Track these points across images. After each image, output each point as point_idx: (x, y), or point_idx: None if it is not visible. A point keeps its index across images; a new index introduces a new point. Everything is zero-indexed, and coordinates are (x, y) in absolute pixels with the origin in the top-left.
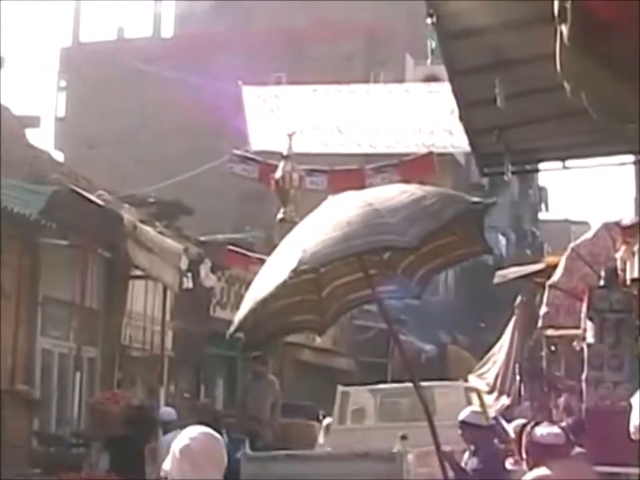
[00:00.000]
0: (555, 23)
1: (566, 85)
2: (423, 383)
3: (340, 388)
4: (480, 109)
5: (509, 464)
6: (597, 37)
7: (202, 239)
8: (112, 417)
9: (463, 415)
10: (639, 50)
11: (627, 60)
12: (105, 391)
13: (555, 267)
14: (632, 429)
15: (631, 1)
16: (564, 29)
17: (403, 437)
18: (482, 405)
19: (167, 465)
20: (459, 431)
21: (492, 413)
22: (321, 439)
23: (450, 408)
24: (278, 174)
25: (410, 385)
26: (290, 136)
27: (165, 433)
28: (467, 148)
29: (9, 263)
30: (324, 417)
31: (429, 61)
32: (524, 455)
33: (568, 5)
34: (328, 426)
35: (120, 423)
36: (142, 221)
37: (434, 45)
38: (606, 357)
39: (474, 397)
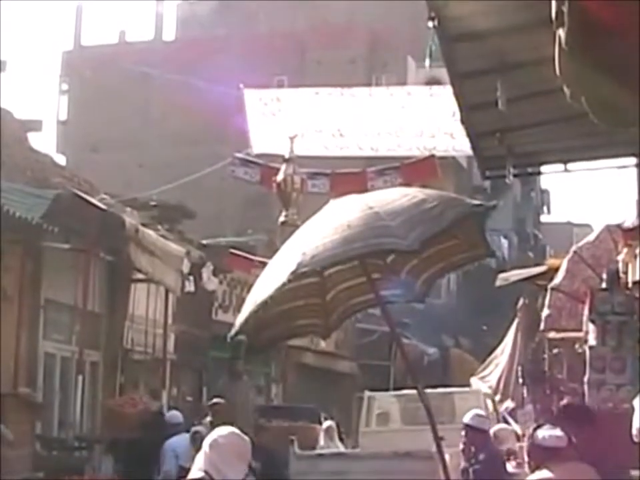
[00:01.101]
0: (554, 28)
1: (565, 89)
2: (444, 389)
3: (367, 393)
4: (482, 112)
5: (510, 466)
6: (594, 40)
7: (204, 242)
8: (129, 420)
9: (467, 418)
10: (637, 53)
11: (626, 63)
12: (124, 395)
13: (557, 269)
14: (634, 432)
15: (628, 1)
16: (561, 32)
17: (442, 438)
18: (495, 410)
19: (199, 462)
20: (462, 433)
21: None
22: (321, 441)
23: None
24: (280, 177)
25: (431, 391)
26: (292, 139)
27: (171, 436)
28: (469, 151)
29: (11, 266)
30: (325, 419)
31: (427, 63)
32: (526, 458)
33: (565, 8)
34: (328, 429)
35: (136, 426)
36: (144, 225)
37: (434, 47)
38: (608, 360)
39: (490, 402)
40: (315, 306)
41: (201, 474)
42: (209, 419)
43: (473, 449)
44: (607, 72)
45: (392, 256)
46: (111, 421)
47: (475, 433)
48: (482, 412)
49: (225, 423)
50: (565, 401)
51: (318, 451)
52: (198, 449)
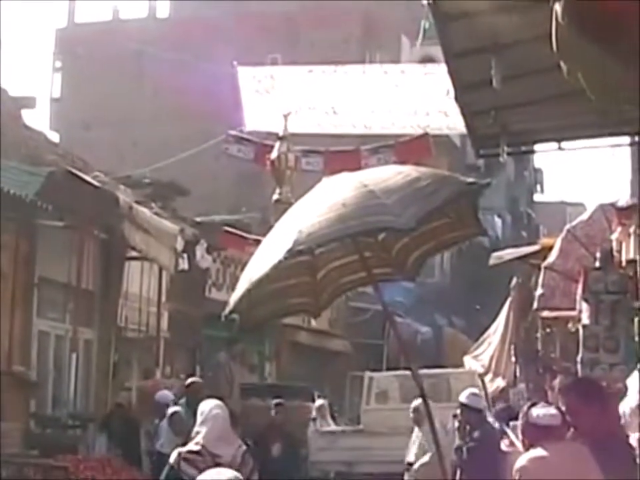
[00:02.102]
0: (550, 3)
1: (562, 65)
2: (440, 370)
3: (367, 374)
4: (476, 90)
5: (504, 445)
6: (591, 14)
7: (198, 220)
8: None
9: (463, 397)
10: (636, 27)
11: (623, 38)
12: (152, 378)
13: (550, 248)
14: (627, 411)
15: None
16: (558, 7)
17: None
18: (484, 389)
19: (196, 435)
20: (458, 411)
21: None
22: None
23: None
24: (274, 155)
25: (429, 370)
26: (285, 117)
27: (162, 415)
28: (463, 129)
29: (5, 244)
30: (319, 397)
31: (419, 42)
32: (520, 436)
33: None
34: (321, 407)
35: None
36: (138, 202)
37: (427, 26)
38: (601, 339)
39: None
40: (306, 285)
41: (197, 447)
42: (184, 399)
43: (467, 427)
44: (604, 47)
45: (384, 234)
46: (143, 403)
47: (470, 411)
48: (477, 391)
49: (201, 401)
50: (577, 376)
51: (338, 428)
52: (176, 430)
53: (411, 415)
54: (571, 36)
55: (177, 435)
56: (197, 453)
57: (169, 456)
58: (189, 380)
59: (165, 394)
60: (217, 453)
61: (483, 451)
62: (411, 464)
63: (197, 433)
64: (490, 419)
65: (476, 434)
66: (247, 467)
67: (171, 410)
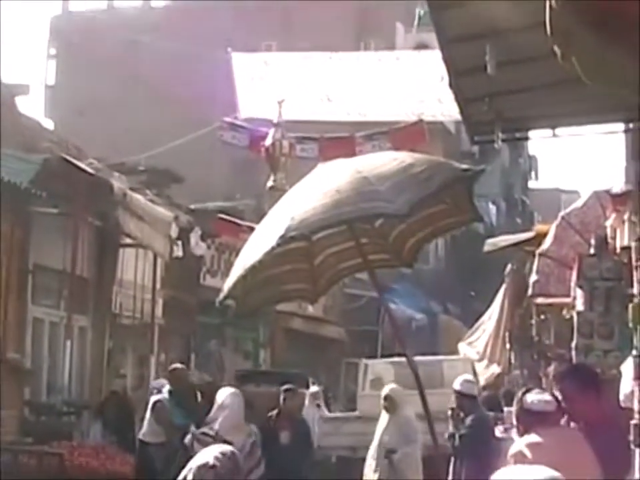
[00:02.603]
0: None
1: (556, 49)
2: (434, 357)
3: (363, 361)
4: (470, 76)
5: (498, 432)
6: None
7: (192, 207)
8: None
9: (456, 384)
10: (631, 10)
11: (617, 22)
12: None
13: (545, 235)
14: (622, 397)
15: None
16: None
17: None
18: (475, 376)
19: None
20: (452, 397)
21: (482, 381)
22: (306, 405)
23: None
24: (268, 141)
25: (422, 358)
26: (280, 103)
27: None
28: (458, 116)
29: None
30: (313, 384)
31: (414, 28)
32: (514, 422)
33: None
34: (314, 393)
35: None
36: (132, 189)
37: (422, 12)
38: (596, 325)
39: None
40: (303, 271)
41: (212, 432)
42: (168, 387)
43: (461, 414)
44: (599, 31)
45: (380, 220)
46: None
47: (463, 398)
48: (471, 378)
49: (185, 389)
50: (572, 363)
51: (343, 414)
52: (158, 419)
53: (382, 402)
54: (565, 20)
55: (159, 424)
56: (210, 436)
57: (151, 445)
58: (172, 366)
59: (161, 381)
60: (228, 440)
61: (476, 438)
62: (392, 451)
63: (214, 419)
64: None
65: (469, 420)
66: (253, 458)
67: (153, 398)
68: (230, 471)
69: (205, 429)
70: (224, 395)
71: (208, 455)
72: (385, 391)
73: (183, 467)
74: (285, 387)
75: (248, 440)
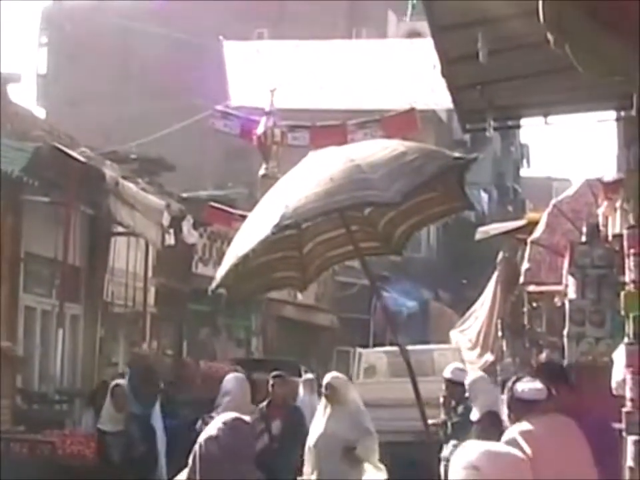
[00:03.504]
0: None
1: (549, 36)
2: (425, 346)
3: (357, 349)
4: (462, 65)
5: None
6: None
7: (184, 195)
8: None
9: (447, 372)
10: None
11: (610, 10)
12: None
13: (536, 223)
14: (614, 385)
15: None
16: None
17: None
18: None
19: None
20: (443, 386)
21: (475, 369)
22: (301, 394)
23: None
24: (260, 130)
25: (414, 347)
26: (272, 92)
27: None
28: (449, 104)
29: None
30: (306, 372)
31: (407, 18)
32: (506, 411)
33: None
34: (308, 381)
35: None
36: (124, 178)
37: (415, 0)
38: (587, 313)
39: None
40: (292, 259)
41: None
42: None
43: (453, 402)
44: (592, 18)
45: (370, 208)
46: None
47: (454, 386)
48: (461, 365)
49: (145, 375)
50: (541, 358)
51: None
52: (117, 406)
53: (324, 391)
54: (558, 7)
55: (118, 410)
56: None
57: (108, 434)
58: (133, 350)
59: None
60: None
61: (467, 426)
62: (351, 447)
63: (219, 405)
64: None
65: (460, 409)
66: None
67: (113, 383)
68: (234, 439)
69: (213, 414)
70: (227, 381)
71: (213, 426)
72: (327, 379)
73: (142, 457)
74: (274, 373)
75: (250, 417)
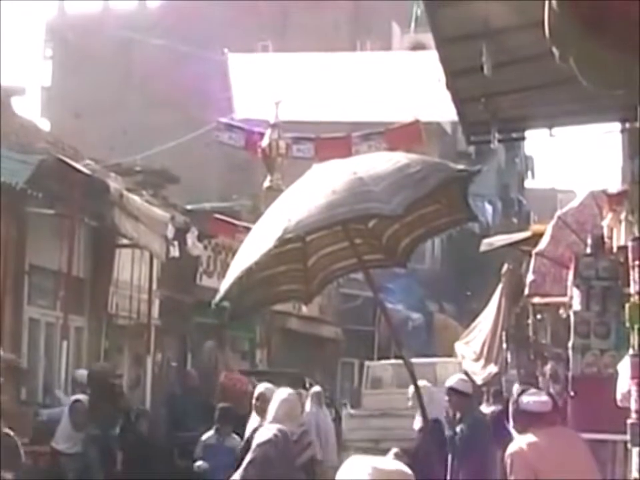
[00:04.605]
0: None
1: (555, 50)
2: (427, 359)
3: (366, 362)
4: (467, 77)
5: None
6: (585, 0)
7: (188, 207)
8: (238, 395)
9: (451, 382)
10: (630, 11)
11: (617, 23)
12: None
13: (541, 235)
14: (619, 396)
15: None
16: None
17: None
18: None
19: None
20: (446, 397)
21: (479, 380)
22: (307, 407)
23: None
24: (264, 142)
25: (417, 360)
26: (276, 104)
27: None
28: (454, 116)
29: None
30: (310, 385)
31: (412, 29)
32: (511, 422)
33: None
34: (316, 394)
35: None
36: (128, 190)
37: (419, 12)
38: (592, 325)
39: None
40: (297, 271)
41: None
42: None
43: (458, 414)
44: (598, 31)
45: (374, 220)
46: (228, 397)
47: (458, 395)
48: (464, 377)
49: (105, 389)
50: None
51: (367, 411)
52: (76, 423)
53: (254, 402)
54: (563, 21)
55: (76, 429)
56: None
57: (64, 455)
58: (93, 366)
59: (82, 372)
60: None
61: (475, 440)
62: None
63: (269, 413)
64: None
65: (467, 422)
66: (301, 443)
67: (73, 398)
68: (287, 446)
69: (264, 423)
70: (279, 393)
71: (268, 432)
72: (260, 389)
73: None
74: (257, 392)
75: (299, 429)
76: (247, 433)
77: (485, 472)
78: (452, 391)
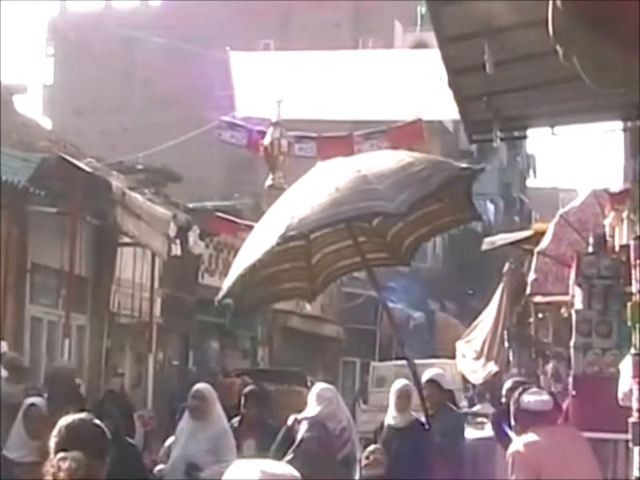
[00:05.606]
0: None
1: (558, 48)
2: (425, 360)
3: (372, 363)
4: (469, 75)
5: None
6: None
7: (190, 205)
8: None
9: (428, 375)
10: (633, 10)
11: (620, 23)
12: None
13: (543, 233)
14: (620, 395)
15: None
16: None
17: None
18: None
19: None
20: (425, 391)
21: (479, 379)
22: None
23: None
24: (267, 140)
25: (419, 361)
26: (278, 102)
27: None
28: (456, 115)
29: None
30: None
31: (418, 27)
32: (512, 422)
33: None
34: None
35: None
36: (130, 188)
37: (423, 11)
38: (594, 324)
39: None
40: (301, 269)
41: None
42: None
43: (432, 410)
44: (601, 30)
45: (378, 219)
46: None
47: (434, 388)
48: (442, 372)
49: (65, 389)
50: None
51: (377, 405)
52: (30, 430)
53: (190, 400)
54: (567, 19)
55: (31, 437)
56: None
57: (17, 465)
58: (54, 366)
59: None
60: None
61: (448, 435)
62: (196, 468)
63: (311, 409)
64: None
65: (441, 417)
66: (341, 439)
67: (28, 401)
68: (330, 441)
69: (304, 416)
70: (320, 389)
71: (311, 428)
72: (197, 386)
73: None
74: (246, 389)
75: (339, 425)
76: (289, 423)
77: (461, 472)
78: (430, 382)
